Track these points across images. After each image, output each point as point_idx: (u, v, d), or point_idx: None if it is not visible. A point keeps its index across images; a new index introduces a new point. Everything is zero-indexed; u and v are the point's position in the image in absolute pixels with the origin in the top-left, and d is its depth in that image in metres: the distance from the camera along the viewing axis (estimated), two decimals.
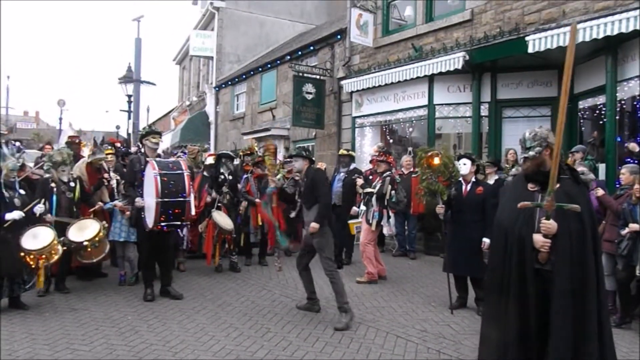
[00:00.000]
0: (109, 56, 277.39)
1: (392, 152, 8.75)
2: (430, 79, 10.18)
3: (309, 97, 13.17)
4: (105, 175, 6.92)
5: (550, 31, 7.68)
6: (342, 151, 9.16)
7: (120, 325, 4.95)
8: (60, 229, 5.83)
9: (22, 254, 5.25)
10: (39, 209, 5.62)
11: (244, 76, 19.09)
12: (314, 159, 6.53)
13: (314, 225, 5.21)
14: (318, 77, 13.46)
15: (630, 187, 5.38)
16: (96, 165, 6.91)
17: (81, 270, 6.71)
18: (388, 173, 7.12)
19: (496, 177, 7.71)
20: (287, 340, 4.66)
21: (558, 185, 3.06)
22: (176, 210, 5.57)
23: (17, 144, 7.26)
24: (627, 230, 5.16)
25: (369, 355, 4.36)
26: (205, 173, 7.83)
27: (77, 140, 7.99)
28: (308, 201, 5.45)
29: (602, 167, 7.71)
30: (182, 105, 28.11)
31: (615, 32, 6.94)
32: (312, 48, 14.75)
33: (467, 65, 9.19)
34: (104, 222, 6.33)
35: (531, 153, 3.22)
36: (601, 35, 7.08)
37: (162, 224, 5.57)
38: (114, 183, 6.94)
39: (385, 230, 8.03)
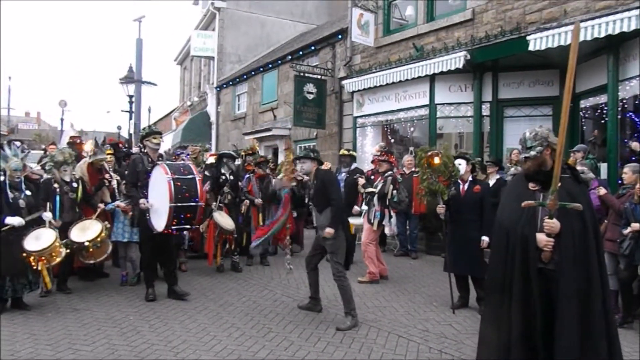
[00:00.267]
0: (110, 57, 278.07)
1: (393, 152, 8.75)
2: (432, 78, 10.18)
3: (310, 97, 13.18)
4: (106, 175, 6.93)
5: (552, 30, 7.67)
6: (343, 151, 9.17)
7: (122, 326, 4.96)
8: (63, 230, 5.85)
9: (24, 254, 5.26)
10: (47, 217, 5.60)
11: (245, 76, 19.10)
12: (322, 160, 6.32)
13: (329, 231, 5.09)
14: (319, 77, 13.47)
15: (633, 187, 5.37)
16: (97, 165, 6.91)
17: (83, 270, 6.72)
18: (390, 173, 7.12)
19: (497, 176, 7.71)
20: (289, 340, 4.66)
21: (559, 185, 3.06)
22: (188, 215, 5.60)
23: (17, 143, 7.24)
24: (629, 229, 5.15)
25: (371, 355, 4.36)
26: (206, 173, 7.84)
27: (78, 141, 8.00)
28: (319, 204, 5.33)
29: (603, 167, 7.70)
30: (184, 106, 28.14)
31: (617, 31, 6.93)
32: (313, 48, 14.75)
33: (468, 65, 9.19)
34: (106, 222, 6.34)
35: (532, 153, 3.22)
36: (602, 35, 7.07)
37: (173, 227, 5.61)
38: (114, 183, 6.95)
39: (386, 230, 8.01)
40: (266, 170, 8.32)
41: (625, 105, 7.65)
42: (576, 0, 7.92)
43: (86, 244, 5.86)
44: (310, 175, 5.46)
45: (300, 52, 15.29)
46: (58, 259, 5.51)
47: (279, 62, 16.54)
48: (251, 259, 8.23)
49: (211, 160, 8.02)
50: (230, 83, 20.31)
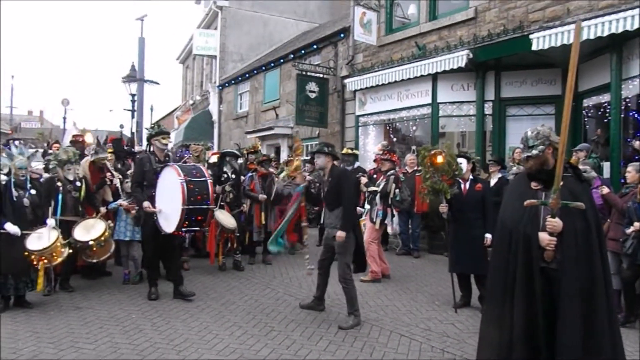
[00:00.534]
0: (112, 55, 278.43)
1: (396, 151, 8.75)
2: (434, 77, 10.16)
3: (313, 95, 13.18)
4: (108, 174, 6.93)
5: (555, 29, 7.65)
6: (345, 150, 9.14)
7: (124, 324, 4.97)
8: (66, 228, 5.86)
9: (26, 253, 5.27)
10: (51, 223, 5.59)
11: (247, 75, 19.11)
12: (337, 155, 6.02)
13: (341, 234, 4.98)
14: (321, 75, 13.46)
15: (636, 186, 5.35)
16: (99, 164, 6.92)
17: (86, 269, 6.73)
18: (392, 172, 7.12)
19: (500, 175, 7.71)
20: (291, 339, 4.66)
21: (562, 184, 3.06)
22: (199, 217, 5.58)
23: (17, 143, 7.27)
24: (632, 228, 5.14)
25: (373, 354, 4.36)
26: (209, 172, 7.83)
27: (80, 140, 8.00)
28: (332, 203, 5.21)
29: (606, 166, 7.68)
30: (186, 104, 28.18)
31: (620, 30, 6.91)
32: (315, 47, 14.74)
33: (471, 64, 9.17)
34: (109, 221, 6.35)
35: (534, 152, 3.21)
36: (605, 33, 7.05)
37: (183, 229, 5.61)
38: (116, 182, 6.95)
39: (389, 229, 8.02)
40: (269, 169, 8.32)
41: (628, 104, 7.62)
42: None
43: (90, 243, 5.87)
44: (325, 171, 5.30)
45: (303, 51, 15.29)
46: (59, 259, 5.52)
47: (281, 60, 16.54)
48: (253, 258, 8.24)
49: (214, 159, 8.01)
50: (233, 82, 20.32)
